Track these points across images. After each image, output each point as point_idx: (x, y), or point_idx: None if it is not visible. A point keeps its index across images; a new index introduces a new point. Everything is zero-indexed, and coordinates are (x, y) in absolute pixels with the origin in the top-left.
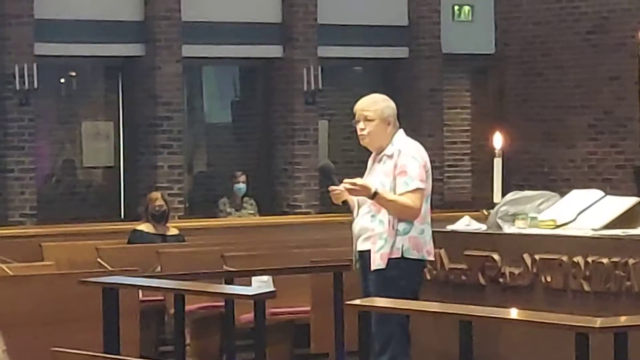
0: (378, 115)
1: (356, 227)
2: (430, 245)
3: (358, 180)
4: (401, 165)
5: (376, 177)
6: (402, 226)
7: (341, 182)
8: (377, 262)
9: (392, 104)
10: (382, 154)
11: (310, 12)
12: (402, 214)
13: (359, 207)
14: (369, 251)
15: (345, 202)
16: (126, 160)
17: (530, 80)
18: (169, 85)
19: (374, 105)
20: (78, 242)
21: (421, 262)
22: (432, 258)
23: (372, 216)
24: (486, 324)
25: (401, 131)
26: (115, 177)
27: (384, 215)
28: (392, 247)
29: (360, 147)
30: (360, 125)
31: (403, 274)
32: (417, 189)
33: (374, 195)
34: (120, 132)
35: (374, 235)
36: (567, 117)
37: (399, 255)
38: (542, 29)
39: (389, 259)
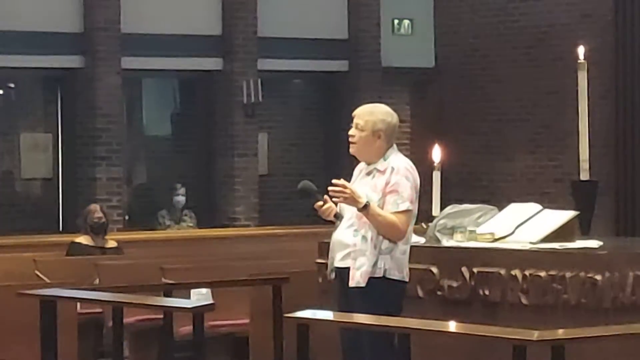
0: (369, 126)
1: (335, 240)
2: (408, 267)
3: (347, 184)
4: (394, 183)
5: (361, 189)
6: (385, 245)
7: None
8: (357, 279)
9: (390, 119)
10: (373, 167)
11: (251, 25)
12: (388, 233)
13: (341, 220)
14: (348, 268)
15: (336, 216)
16: (65, 172)
17: (470, 93)
18: (108, 97)
19: (368, 116)
20: (16, 253)
21: (403, 284)
22: (408, 280)
23: (355, 231)
24: (424, 336)
25: (395, 148)
26: (53, 189)
27: (367, 231)
28: (374, 266)
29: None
30: (351, 131)
31: (387, 295)
32: (407, 211)
33: (364, 207)
34: (59, 143)
35: (355, 251)
36: (506, 131)
37: (381, 275)
38: (482, 42)
39: (370, 278)
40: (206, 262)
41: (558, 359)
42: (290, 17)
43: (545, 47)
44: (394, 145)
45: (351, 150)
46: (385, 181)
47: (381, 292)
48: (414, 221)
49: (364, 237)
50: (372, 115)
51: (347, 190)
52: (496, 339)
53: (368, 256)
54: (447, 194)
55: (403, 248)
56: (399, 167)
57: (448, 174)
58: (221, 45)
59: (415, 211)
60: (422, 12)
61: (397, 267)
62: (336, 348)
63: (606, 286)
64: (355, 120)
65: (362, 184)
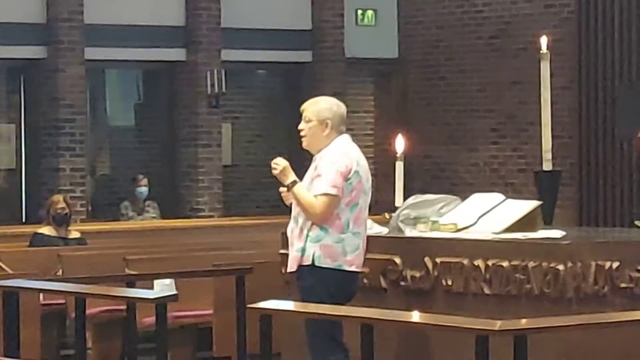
0: (315, 115)
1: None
2: (353, 255)
3: (282, 162)
4: (319, 169)
5: (305, 180)
6: (314, 233)
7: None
8: (290, 264)
9: (335, 108)
10: (316, 156)
11: (214, 16)
12: (307, 214)
13: None
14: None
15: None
16: (28, 162)
17: (434, 84)
18: (71, 87)
19: (313, 106)
20: None
21: (338, 272)
22: (355, 269)
23: (294, 217)
24: (388, 327)
25: (344, 137)
26: (16, 179)
27: (299, 217)
28: (302, 253)
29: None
30: (300, 125)
31: (318, 283)
32: (325, 194)
33: (291, 186)
34: (22, 134)
35: (291, 236)
36: (470, 121)
37: (309, 263)
38: (446, 33)
39: (300, 266)
40: (170, 253)
41: (520, 349)
42: (254, 7)
43: (508, 38)
44: (344, 135)
45: (303, 144)
46: (315, 167)
47: (311, 280)
48: (355, 208)
49: (297, 223)
50: (317, 104)
51: (279, 166)
52: (459, 329)
53: (296, 242)
54: (410, 184)
55: (338, 236)
56: (329, 152)
57: (411, 165)
58: (185, 36)
59: (356, 199)
60: (385, 3)
61: (330, 256)
62: (300, 339)
63: (569, 276)
64: (303, 114)
65: (307, 175)
